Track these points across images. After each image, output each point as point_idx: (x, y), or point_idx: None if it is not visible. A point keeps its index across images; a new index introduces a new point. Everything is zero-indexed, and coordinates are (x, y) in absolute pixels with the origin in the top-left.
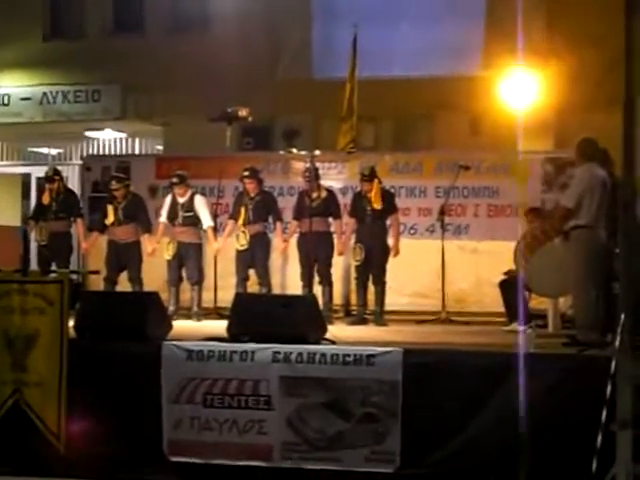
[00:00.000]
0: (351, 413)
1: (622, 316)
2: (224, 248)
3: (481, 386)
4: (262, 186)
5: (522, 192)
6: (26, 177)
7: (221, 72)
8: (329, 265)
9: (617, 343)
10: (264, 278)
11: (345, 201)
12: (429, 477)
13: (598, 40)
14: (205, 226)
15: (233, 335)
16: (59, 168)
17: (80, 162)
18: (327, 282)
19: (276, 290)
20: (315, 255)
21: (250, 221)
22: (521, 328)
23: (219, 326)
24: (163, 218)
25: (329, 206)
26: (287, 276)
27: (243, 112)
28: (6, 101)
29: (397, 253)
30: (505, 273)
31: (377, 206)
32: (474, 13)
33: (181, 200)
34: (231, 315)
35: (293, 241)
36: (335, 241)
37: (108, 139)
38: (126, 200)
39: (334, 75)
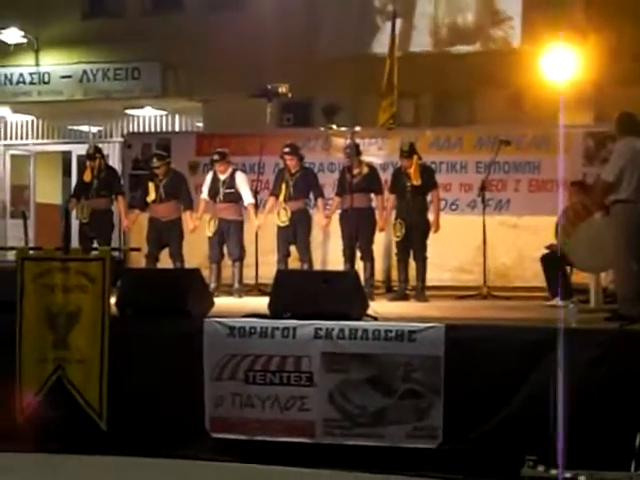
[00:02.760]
0: (393, 389)
1: None
2: (265, 225)
3: (523, 362)
4: (302, 162)
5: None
6: (67, 155)
7: (260, 48)
8: (371, 241)
9: None
10: (305, 254)
11: (385, 177)
12: (471, 453)
13: (637, 15)
14: (246, 203)
15: (275, 311)
16: (100, 146)
17: (121, 139)
18: (369, 258)
19: (317, 266)
20: (357, 231)
21: (291, 197)
22: (562, 303)
23: (260, 302)
24: (204, 195)
25: (371, 182)
26: (328, 252)
27: (283, 88)
28: (46, 79)
29: (437, 229)
30: (547, 247)
31: (416, 182)
32: None
33: (222, 177)
34: (272, 291)
35: (334, 217)
36: (377, 217)
37: (148, 116)
38: (167, 177)
39: (374, 51)
